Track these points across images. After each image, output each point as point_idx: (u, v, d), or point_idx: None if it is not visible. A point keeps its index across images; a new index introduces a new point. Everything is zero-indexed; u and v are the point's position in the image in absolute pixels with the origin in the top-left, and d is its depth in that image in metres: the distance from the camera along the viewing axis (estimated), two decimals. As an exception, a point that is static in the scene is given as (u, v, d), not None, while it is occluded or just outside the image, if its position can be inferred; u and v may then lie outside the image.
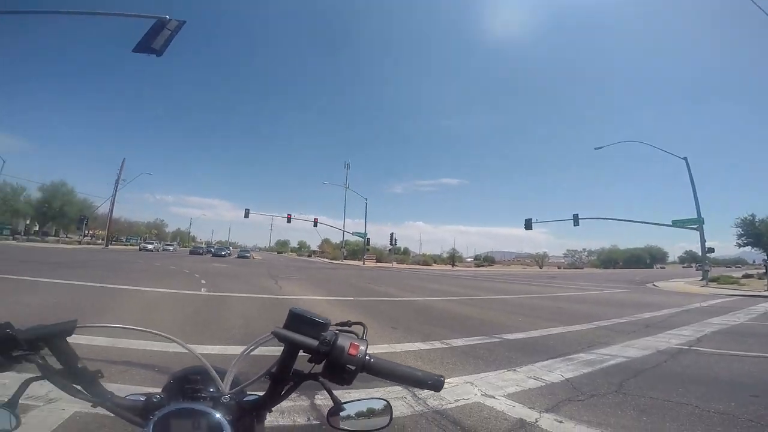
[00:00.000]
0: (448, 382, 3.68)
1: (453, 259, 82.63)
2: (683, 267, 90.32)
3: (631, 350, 5.40)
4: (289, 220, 52.89)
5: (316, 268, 31.69)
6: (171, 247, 60.06)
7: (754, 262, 61.24)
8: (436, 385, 0.69)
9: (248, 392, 0.76)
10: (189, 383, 0.76)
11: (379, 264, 54.55)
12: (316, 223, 53.41)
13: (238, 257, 45.60)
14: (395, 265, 53.17)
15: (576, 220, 37.06)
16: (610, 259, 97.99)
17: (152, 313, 6.70)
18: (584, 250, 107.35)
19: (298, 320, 0.67)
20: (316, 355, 0.64)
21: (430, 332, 6.21)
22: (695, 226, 29.98)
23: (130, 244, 65.75)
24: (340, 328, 0.72)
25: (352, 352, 0.62)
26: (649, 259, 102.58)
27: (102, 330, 3.95)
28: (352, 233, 58.16)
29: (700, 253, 31.51)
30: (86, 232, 55.29)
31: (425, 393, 3.36)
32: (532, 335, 6.37)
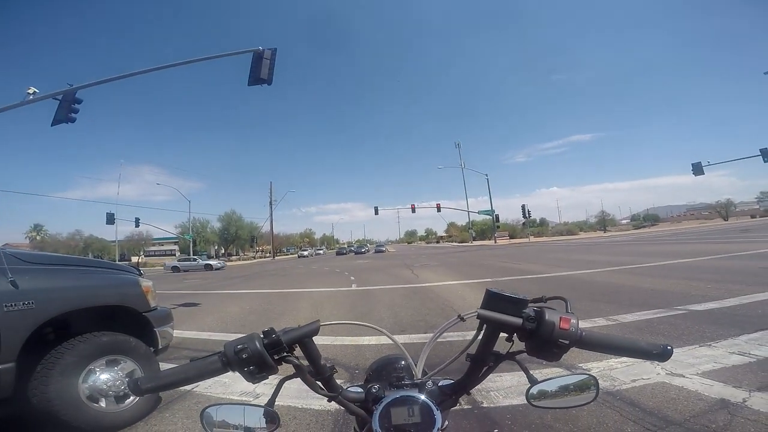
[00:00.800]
0: (621, 361, 3.29)
1: (604, 223, 72.16)
2: None
3: None
4: (413, 210, 54.28)
5: (446, 253, 31.90)
6: (321, 251, 70.34)
7: None
8: (663, 355, 0.64)
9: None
10: (391, 372, 0.84)
11: (513, 241, 51.49)
12: (438, 208, 53.49)
13: (376, 252, 49.94)
14: (532, 239, 49.44)
15: (766, 154, 28.00)
16: None
17: (320, 310, 7.70)
18: None
19: (497, 299, 0.66)
20: (521, 333, 0.64)
21: (590, 308, 5.56)
22: None
23: (290, 253, 78.19)
24: (537, 304, 0.70)
25: (564, 326, 0.61)
26: None
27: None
28: (478, 212, 56.28)
29: None
30: (256, 248, 68.05)
31: (594, 373, 3.05)
32: (729, 304, 5.10)
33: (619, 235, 47.36)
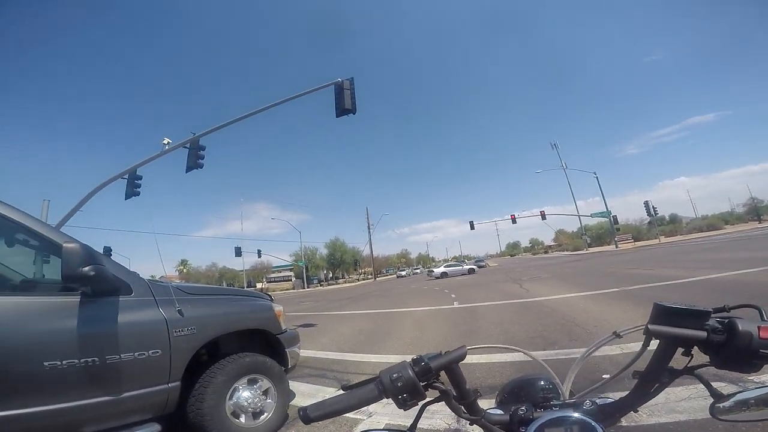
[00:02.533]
0: None
1: (757, 211, 58.03)
2: None
3: None
4: (514, 221, 51.40)
5: (558, 263, 29.00)
6: (418, 270, 71.34)
7: None
8: None
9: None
10: (537, 391, 0.80)
11: (638, 243, 44.40)
12: (543, 215, 49.48)
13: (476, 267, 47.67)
14: (663, 239, 42.15)
15: None
16: None
17: (423, 330, 7.62)
18: None
19: (669, 313, 0.62)
20: (707, 346, 0.61)
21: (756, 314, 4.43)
22: None
23: (389, 274, 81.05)
24: (720, 314, 0.64)
25: (765, 335, 0.57)
26: None
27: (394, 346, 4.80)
28: (591, 215, 50.34)
29: None
30: (360, 270, 72.23)
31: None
32: None
33: (790, 224, 37.22)
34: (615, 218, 46.71)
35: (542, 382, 0.83)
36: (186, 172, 13.49)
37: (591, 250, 48.40)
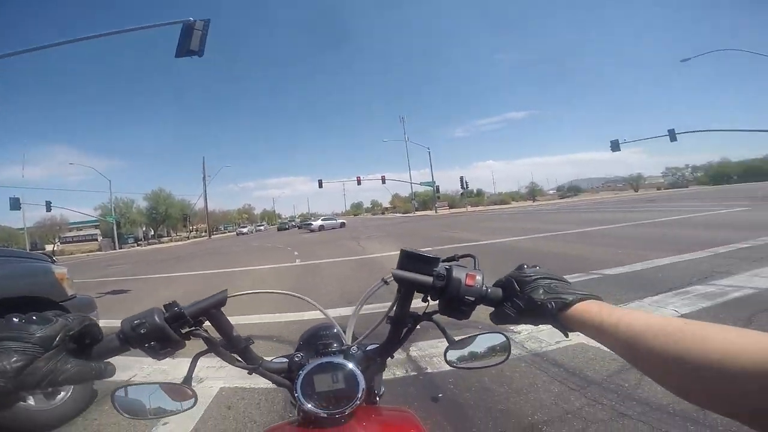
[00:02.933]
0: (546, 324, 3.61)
1: (533, 193, 78.13)
2: None
3: (760, 280, 4.59)
4: (359, 183, 54.20)
5: (390, 224, 32.58)
6: (262, 228, 67.28)
7: None
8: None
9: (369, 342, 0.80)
10: (320, 339, 0.83)
11: (452, 210, 54.02)
12: (383, 180, 53.92)
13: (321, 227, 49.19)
14: (470, 209, 52.09)
15: (672, 135, 31.72)
16: (720, 174, 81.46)
17: (262, 287, 7.52)
18: (687, 166, 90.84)
19: (411, 258, 0.66)
20: (432, 292, 0.63)
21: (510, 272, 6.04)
22: None
23: (228, 231, 74.38)
24: (448, 263, 0.68)
25: (469, 282, 0.60)
26: None
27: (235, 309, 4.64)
28: (420, 184, 57.83)
29: None
30: (190, 227, 63.77)
31: (522, 336, 3.36)
32: (635, 268, 5.84)
33: (546, 204, 51.53)
34: (438, 188, 54.99)
35: (329, 331, 0.86)
36: None
37: (418, 213, 55.75)
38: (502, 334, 0.72)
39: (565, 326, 0.54)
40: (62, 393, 2.53)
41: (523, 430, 2.05)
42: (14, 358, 0.44)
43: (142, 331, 0.57)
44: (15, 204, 35.58)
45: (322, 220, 40.47)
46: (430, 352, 3.19)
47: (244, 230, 58.60)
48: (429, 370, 2.90)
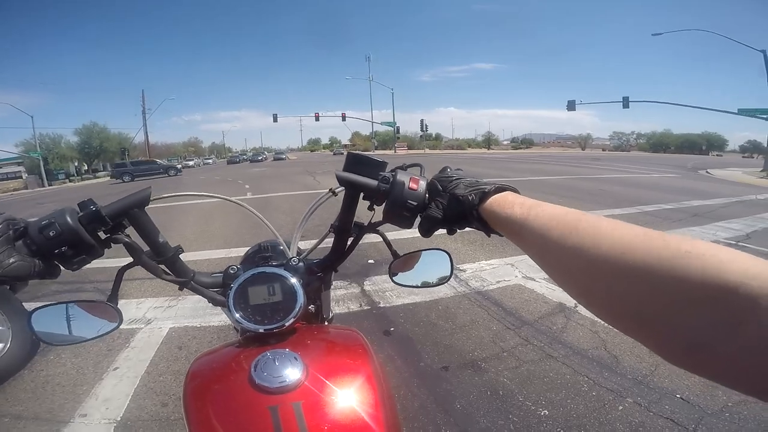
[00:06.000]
0: (489, 263, 3.86)
1: (488, 142, 79.88)
2: (743, 157, 78.47)
3: None
4: (317, 119, 51.64)
5: (349, 161, 31.92)
6: (210, 161, 62.84)
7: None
8: None
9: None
10: (261, 253, 0.78)
11: (410, 151, 54.12)
12: (344, 117, 51.79)
13: (274, 160, 47.08)
14: (427, 151, 52.42)
15: (626, 102, 32.89)
16: (660, 144, 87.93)
17: (209, 221, 7.21)
18: (633, 132, 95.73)
19: (357, 161, 0.62)
20: (377, 195, 0.59)
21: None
22: (766, 117, 25.41)
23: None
24: (395, 170, 0.64)
25: (413, 186, 0.56)
26: (705, 145, 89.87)
27: (182, 244, 4.38)
28: (381, 123, 56.50)
29: (766, 144, 27.19)
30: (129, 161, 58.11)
31: (467, 274, 3.59)
32: (573, 218, 6.29)
33: (500, 153, 53.16)
34: (398, 129, 54.25)
35: (272, 246, 0.81)
36: None
37: (377, 152, 55.15)
38: (444, 251, 0.71)
39: (486, 224, 0.51)
40: (1, 344, 2.28)
41: (464, 365, 2.24)
42: None
43: (51, 234, 0.49)
44: None
45: (274, 154, 39.50)
46: (383, 286, 3.32)
47: (191, 163, 54.41)
48: (382, 305, 3.03)
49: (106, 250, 0.57)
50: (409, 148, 59.87)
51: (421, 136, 57.09)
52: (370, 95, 57.05)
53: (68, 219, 0.50)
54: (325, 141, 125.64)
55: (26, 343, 2.42)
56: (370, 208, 0.63)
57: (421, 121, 51.67)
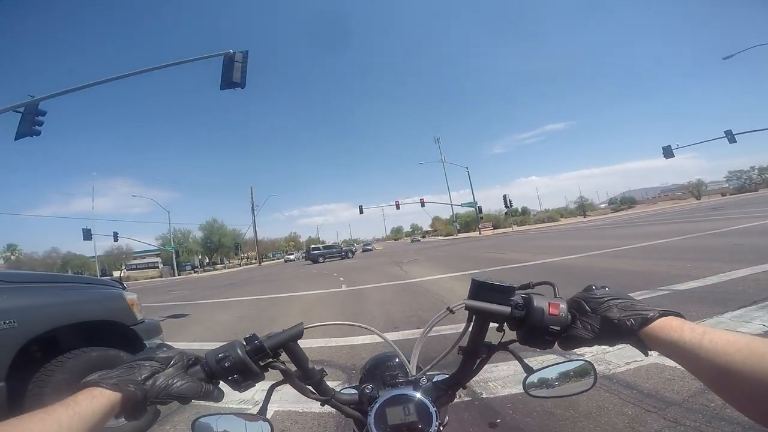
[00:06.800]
0: (616, 346, 3.33)
1: (583, 208, 74.17)
2: None
3: None
4: (398, 207, 54.47)
5: (432, 247, 32.16)
6: None
7: None
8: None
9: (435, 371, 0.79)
10: (384, 370, 0.81)
11: (497, 231, 52.28)
12: (422, 203, 53.84)
13: (363, 251, 49.71)
14: (515, 228, 50.31)
15: (731, 136, 29.18)
16: None
17: (311, 313, 7.62)
18: (753, 168, 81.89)
19: (483, 288, 0.63)
20: (511, 322, 0.61)
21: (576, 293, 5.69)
22: None
23: (276, 258, 77.33)
24: (524, 291, 0.65)
25: (554, 311, 0.57)
26: None
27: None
28: (461, 205, 56.87)
29: None
30: (242, 255, 67.33)
31: (586, 358, 3.12)
32: (711, 282, 5.28)
33: (599, 219, 48.61)
34: (480, 208, 53.81)
35: (392, 361, 0.85)
36: (15, 139, 10.97)
37: (460, 235, 54.75)
38: (586, 360, 0.68)
39: (645, 344, 0.51)
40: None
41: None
42: (144, 372, 0.56)
43: (226, 365, 0.60)
44: (87, 235, 40.25)
45: (363, 246, 41.98)
46: (485, 377, 3.04)
47: (291, 257, 60.91)
48: (484, 396, 2.76)
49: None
50: (495, 227, 58.07)
51: (505, 212, 55.53)
52: (445, 177, 58.98)
53: (239, 352, 0.61)
54: (406, 228, 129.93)
55: (149, 413, 2.75)
56: (500, 330, 0.64)
57: (504, 196, 50.80)
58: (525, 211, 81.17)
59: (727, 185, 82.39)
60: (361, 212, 52.79)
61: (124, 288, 3.38)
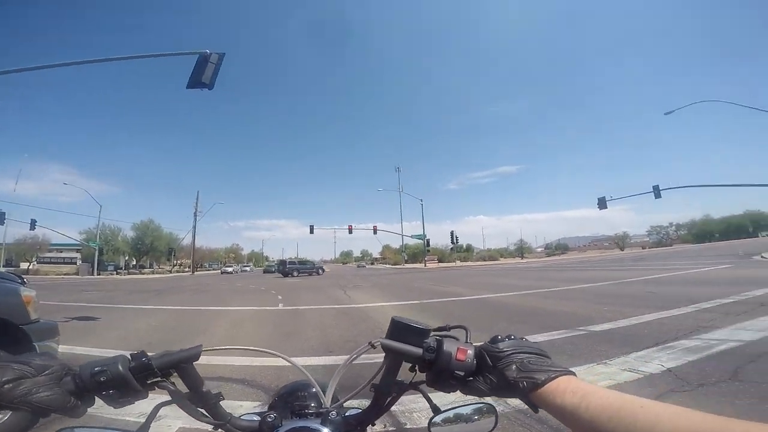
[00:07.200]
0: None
1: (521, 250, 78.91)
2: None
3: (744, 333, 4.71)
4: (350, 231, 54.45)
5: (379, 274, 32.19)
6: (248, 268, 65.60)
7: None
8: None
9: (349, 404, 0.76)
10: (296, 399, 0.78)
11: (441, 264, 53.78)
12: (375, 230, 54.20)
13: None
14: (458, 263, 52.06)
15: (657, 191, 33.03)
16: (703, 232, 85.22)
17: (239, 330, 7.20)
18: (671, 224, 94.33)
19: (401, 328, 0.63)
20: (422, 364, 0.61)
21: (507, 330, 5.88)
22: None
23: (212, 269, 72.54)
24: (439, 333, 0.67)
25: (460, 357, 0.58)
26: (752, 227, 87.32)
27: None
28: (411, 236, 58.15)
29: None
30: (174, 261, 62.41)
31: (489, 401, 3.23)
32: (621, 324, 5.81)
33: (534, 261, 51.94)
34: (428, 241, 55.24)
35: (308, 390, 0.82)
36: None
37: (407, 265, 55.54)
38: (490, 403, 0.70)
39: (535, 404, 0.53)
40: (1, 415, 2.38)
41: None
42: (8, 375, 0.51)
43: (102, 379, 0.55)
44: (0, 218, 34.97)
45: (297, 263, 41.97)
46: (410, 407, 3.03)
47: (229, 269, 57.26)
48: (408, 426, 2.76)
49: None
50: (440, 260, 59.82)
51: (451, 248, 57.48)
52: (401, 207, 60.58)
53: (120, 367, 0.56)
54: (356, 253, 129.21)
55: (23, 419, 2.39)
56: (412, 370, 0.64)
57: (452, 233, 52.84)
58: (469, 248, 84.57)
59: (648, 239, 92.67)
60: (312, 232, 51.94)
61: (22, 283, 3.03)
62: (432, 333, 0.64)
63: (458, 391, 0.60)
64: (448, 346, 0.59)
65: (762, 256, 21.00)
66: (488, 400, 0.64)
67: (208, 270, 71.41)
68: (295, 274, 36.00)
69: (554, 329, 5.72)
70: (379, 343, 0.66)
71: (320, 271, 40.03)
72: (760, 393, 2.85)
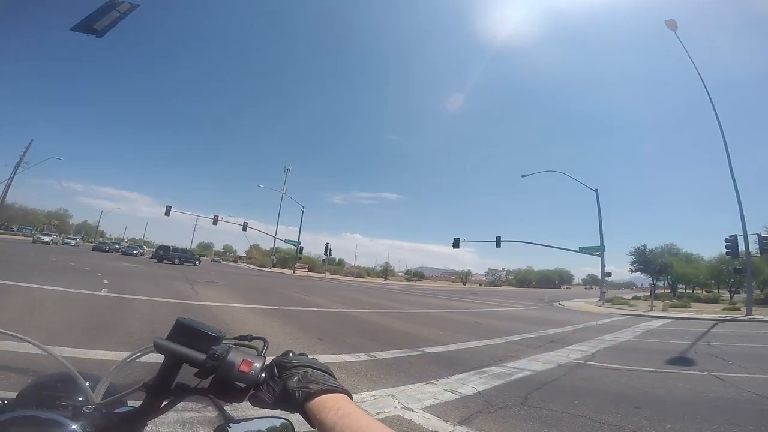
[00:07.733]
0: (371, 394, 3.73)
1: (386, 272, 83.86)
2: (585, 288, 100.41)
3: (536, 364, 5.80)
4: (215, 222, 49.82)
5: (241, 274, 30.05)
6: (73, 241, 51.61)
7: (642, 285, 70.73)
8: None
9: (125, 404, 0.66)
10: (49, 390, 0.67)
11: (311, 274, 53.08)
12: (245, 227, 50.72)
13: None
14: (328, 275, 52.29)
15: (498, 242, 40.03)
16: (524, 279, 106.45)
17: (37, 314, 5.75)
18: (504, 269, 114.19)
19: (186, 331, 0.60)
20: (203, 370, 0.58)
21: (357, 344, 6.16)
22: (597, 253, 34.25)
23: (23, 234, 56.27)
24: (238, 342, 0.64)
25: (244, 368, 0.56)
26: (558, 280, 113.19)
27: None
28: (285, 240, 56.26)
29: (600, 277, 35.81)
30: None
31: (287, 417, 3.28)
32: (451, 348, 6.61)
33: (395, 283, 56.00)
34: (301, 249, 54.25)
35: (68, 383, 0.70)
36: None
37: (274, 269, 53.10)
38: (285, 419, 0.65)
39: (310, 418, 0.53)
40: None
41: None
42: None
43: None
44: None
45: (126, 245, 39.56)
46: (247, 404, 2.81)
47: (46, 238, 43.79)
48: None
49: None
50: (310, 270, 58.89)
51: (324, 259, 57.37)
52: (280, 208, 57.39)
53: None
54: (218, 248, 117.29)
55: None
56: (197, 375, 0.60)
57: (326, 245, 52.95)
58: (341, 262, 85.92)
59: (485, 278, 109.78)
60: (168, 213, 45.62)
61: None
62: (234, 341, 0.63)
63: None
64: (234, 356, 0.58)
65: (560, 303, 26.98)
66: (290, 417, 0.61)
67: (17, 234, 55.36)
68: (177, 261, 34.83)
69: (398, 347, 6.17)
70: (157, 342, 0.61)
71: (197, 262, 38.70)
72: (541, 417, 3.48)
